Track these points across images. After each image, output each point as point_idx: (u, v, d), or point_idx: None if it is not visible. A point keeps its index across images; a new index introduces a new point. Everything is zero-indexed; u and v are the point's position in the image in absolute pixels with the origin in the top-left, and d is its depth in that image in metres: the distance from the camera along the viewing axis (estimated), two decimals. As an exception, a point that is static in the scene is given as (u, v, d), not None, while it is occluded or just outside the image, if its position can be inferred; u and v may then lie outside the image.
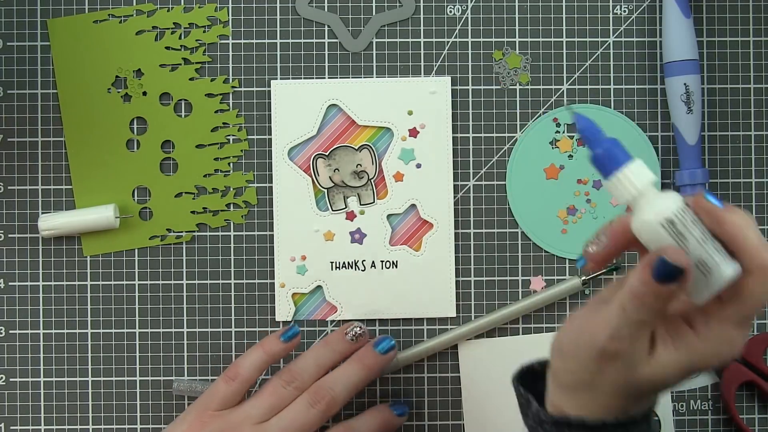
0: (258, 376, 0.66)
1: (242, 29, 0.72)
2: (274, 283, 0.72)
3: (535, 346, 0.71)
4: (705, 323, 0.50)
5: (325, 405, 0.64)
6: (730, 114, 0.73)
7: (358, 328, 0.68)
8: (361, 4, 0.73)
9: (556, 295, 0.71)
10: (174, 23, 0.72)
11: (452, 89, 0.72)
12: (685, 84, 0.70)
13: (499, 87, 0.73)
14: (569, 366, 0.52)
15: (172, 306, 0.72)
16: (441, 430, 0.72)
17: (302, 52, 0.72)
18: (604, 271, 0.71)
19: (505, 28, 0.73)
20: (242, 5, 0.72)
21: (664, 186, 0.72)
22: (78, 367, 0.72)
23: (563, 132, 0.72)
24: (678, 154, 0.71)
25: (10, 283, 0.72)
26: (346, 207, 0.72)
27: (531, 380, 0.56)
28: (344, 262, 0.72)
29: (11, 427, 0.71)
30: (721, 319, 0.50)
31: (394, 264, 0.72)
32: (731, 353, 0.50)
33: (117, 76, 0.72)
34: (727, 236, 0.49)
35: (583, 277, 0.71)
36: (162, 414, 0.72)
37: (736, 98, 0.73)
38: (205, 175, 0.72)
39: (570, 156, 0.72)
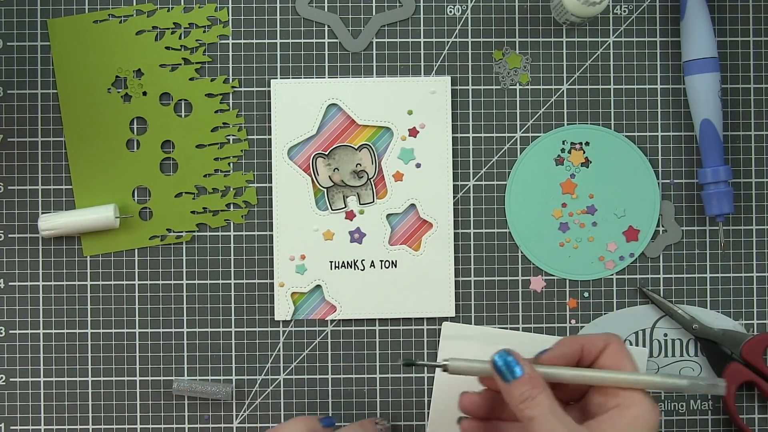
0: None
1: (242, 29, 0.72)
2: (273, 282, 0.72)
3: (534, 347, 0.71)
4: (615, 398, 0.60)
5: None
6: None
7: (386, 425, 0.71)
8: (361, 4, 0.73)
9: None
10: (174, 23, 0.72)
11: (452, 89, 0.72)
12: (719, 80, 0.70)
13: (499, 87, 0.72)
14: None
15: (172, 306, 0.72)
16: (441, 430, 0.72)
17: (302, 52, 0.72)
18: None
19: (505, 28, 0.73)
20: (242, 5, 0.72)
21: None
22: (78, 367, 0.72)
23: (567, 151, 0.72)
24: (701, 152, 0.71)
25: (10, 283, 0.72)
26: (345, 206, 0.72)
27: None
28: (343, 262, 0.72)
29: (11, 427, 0.71)
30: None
31: (394, 264, 0.72)
32: (654, 409, 0.59)
33: (117, 76, 0.72)
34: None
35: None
36: (162, 414, 0.72)
37: (736, 98, 0.73)
38: (205, 175, 0.72)
39: (573, 175, 0.72)
